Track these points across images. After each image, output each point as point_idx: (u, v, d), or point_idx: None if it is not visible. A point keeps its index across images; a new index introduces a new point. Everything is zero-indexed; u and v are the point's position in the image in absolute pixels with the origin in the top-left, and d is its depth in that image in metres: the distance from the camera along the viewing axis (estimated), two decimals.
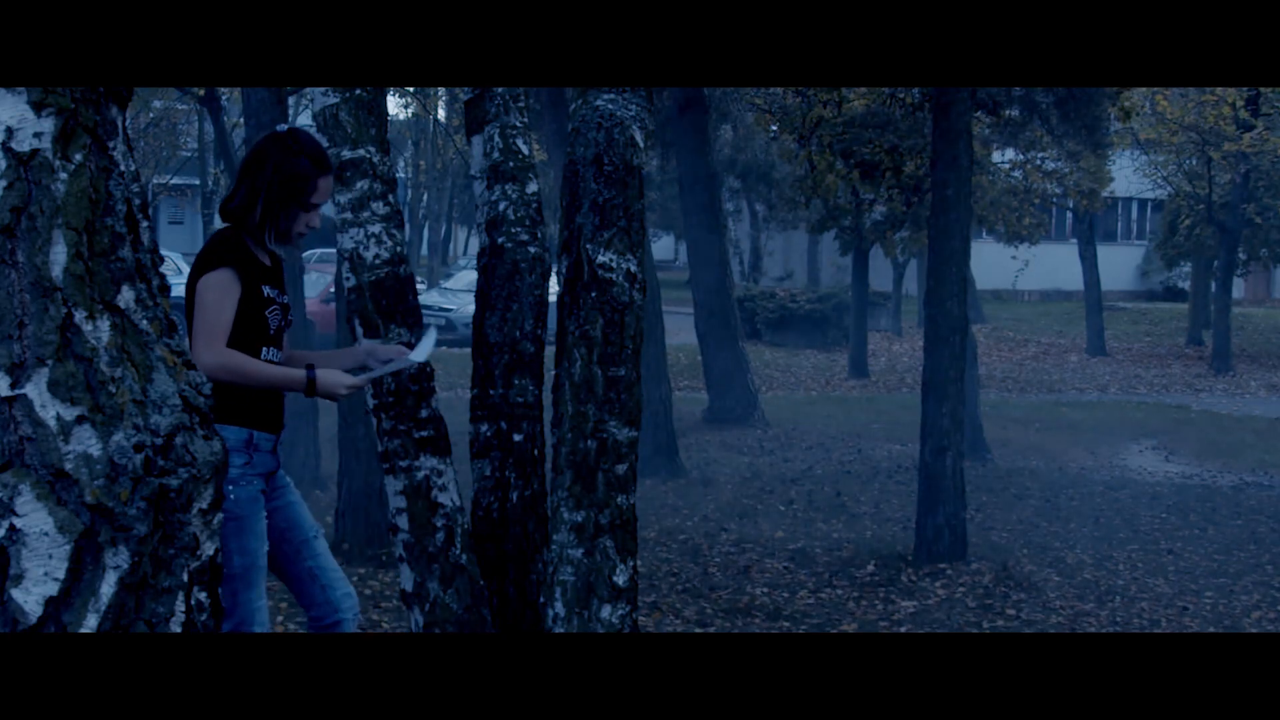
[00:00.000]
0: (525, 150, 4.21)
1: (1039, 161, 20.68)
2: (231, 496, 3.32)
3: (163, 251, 2.81)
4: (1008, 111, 12.94)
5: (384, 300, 3.91)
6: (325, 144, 4.08)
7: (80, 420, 2.05)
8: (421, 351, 3.64)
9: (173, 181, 29.84)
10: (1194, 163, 22.31)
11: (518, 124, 4.20)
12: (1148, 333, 27.11)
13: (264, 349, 3.44)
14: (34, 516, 2.02)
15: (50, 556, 2.03)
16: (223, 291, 3.30)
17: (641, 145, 3.80)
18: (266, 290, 3.41)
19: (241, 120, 11.72)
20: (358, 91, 3.99)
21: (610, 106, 3.76)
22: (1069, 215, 29.67)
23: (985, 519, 9.56)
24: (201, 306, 3.32)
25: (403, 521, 3.96)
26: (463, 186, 32.29)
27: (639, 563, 4.13)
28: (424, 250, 35.50)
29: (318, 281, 19.27)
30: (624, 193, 3.75)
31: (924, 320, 8.48)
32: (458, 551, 4.00)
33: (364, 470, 7.71)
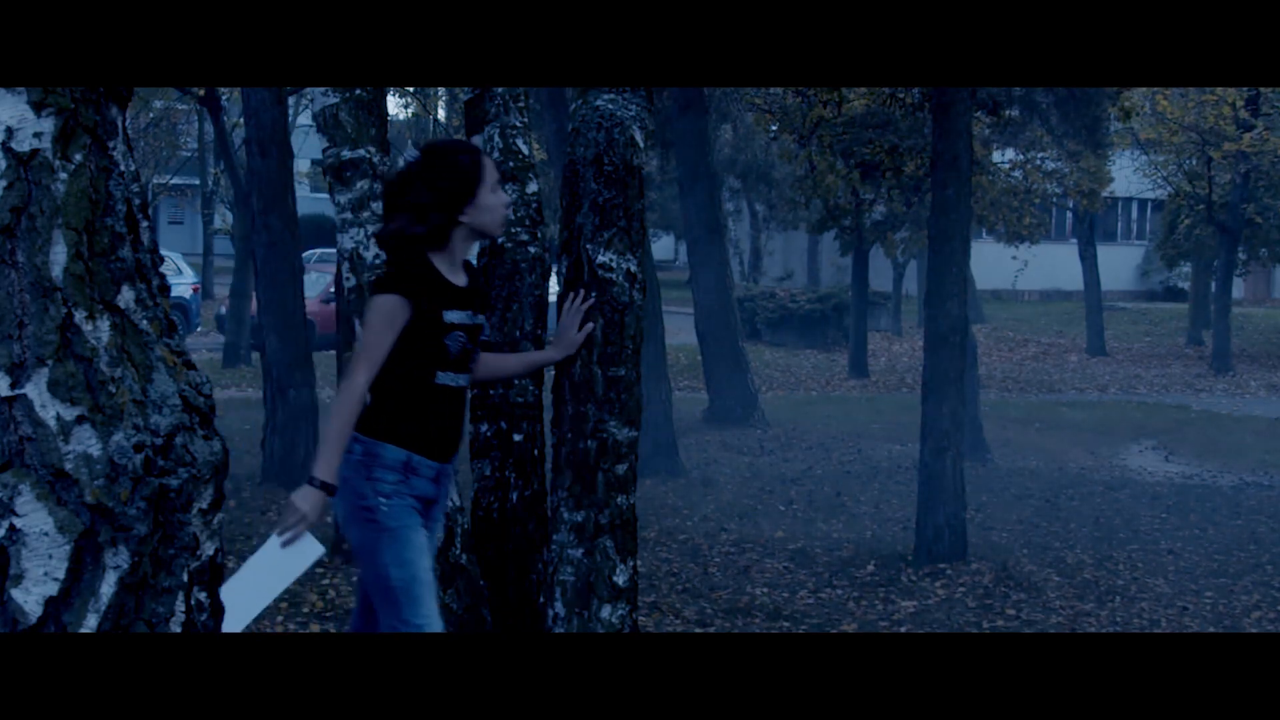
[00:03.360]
0: (525, 150, 4.21)
1: (1039, 161, 20.69)
2: (385, 509, 3.26)
3: (163, 251, 2.81)
4: (1008, 111, 12.94)
5: None
6: (327, 143, 4.10)
7: (80, 420, 2.04)
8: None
9: (173, 181, 29.83)
10: (1194, 163, 22.30)
11: (518, 124, 4.20)
12: (1148, 333, 27.11)
13: (440, 373, 3.33)
14: (34, 516, 2.02)
15: (50, 556, 2.03)
16: (386, 319, 3.21)
17: (641, 145, 3.80)
18: (450, 316, 3.30)
19: (241, 120, 11.70)
20: (358, 91, 3.99)
21: (610, 106, 3.76)
22: (1069, 215, 29.68)
23: (985, 519, 9.55)
24: (365, 328, 3.27)
25: None
26: None
27: (639, 563, 4.13)
28: None
29: (318, 281, 19.26)
30: (624, 193, 3.75)
31: (924, 320, 8.47)
32: (458, 551, 4.00)
33: None
